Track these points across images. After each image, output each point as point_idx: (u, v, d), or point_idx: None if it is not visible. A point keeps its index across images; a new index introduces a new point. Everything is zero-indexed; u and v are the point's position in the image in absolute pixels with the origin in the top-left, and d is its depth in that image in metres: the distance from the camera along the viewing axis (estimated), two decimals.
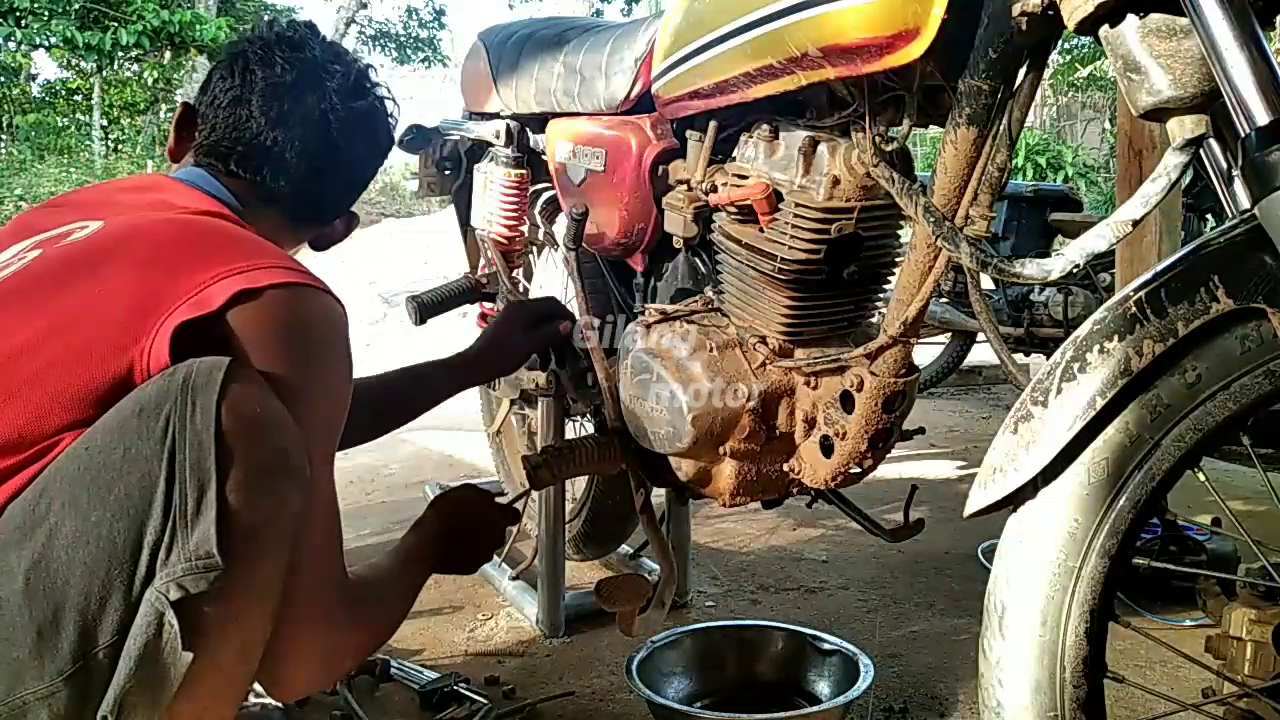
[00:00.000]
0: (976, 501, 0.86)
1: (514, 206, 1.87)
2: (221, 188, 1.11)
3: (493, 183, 1.87)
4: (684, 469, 1.35)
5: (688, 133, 1.35)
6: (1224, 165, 0.90)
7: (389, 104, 1.23)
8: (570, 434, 1.87)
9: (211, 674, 0.87)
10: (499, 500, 1.36)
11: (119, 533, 0.83)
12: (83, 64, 11.71)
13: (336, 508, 1.02)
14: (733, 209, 1.24)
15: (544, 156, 1.70)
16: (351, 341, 1.02)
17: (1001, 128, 0.93)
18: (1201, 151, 0.87)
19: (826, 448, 1.25)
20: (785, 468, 1.31)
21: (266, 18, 1.18)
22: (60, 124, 12.71)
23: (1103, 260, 3.34)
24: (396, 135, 1.27)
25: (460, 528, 1.29)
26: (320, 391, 0.97)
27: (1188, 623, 1.85)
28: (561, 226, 1.81)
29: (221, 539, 0.83)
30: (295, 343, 0.95)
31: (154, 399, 0.85)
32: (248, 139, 1.11)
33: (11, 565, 0.83)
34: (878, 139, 1.07)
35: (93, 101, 11.90)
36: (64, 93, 13.49)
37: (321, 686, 1.12)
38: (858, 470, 1.25)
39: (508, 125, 1.81)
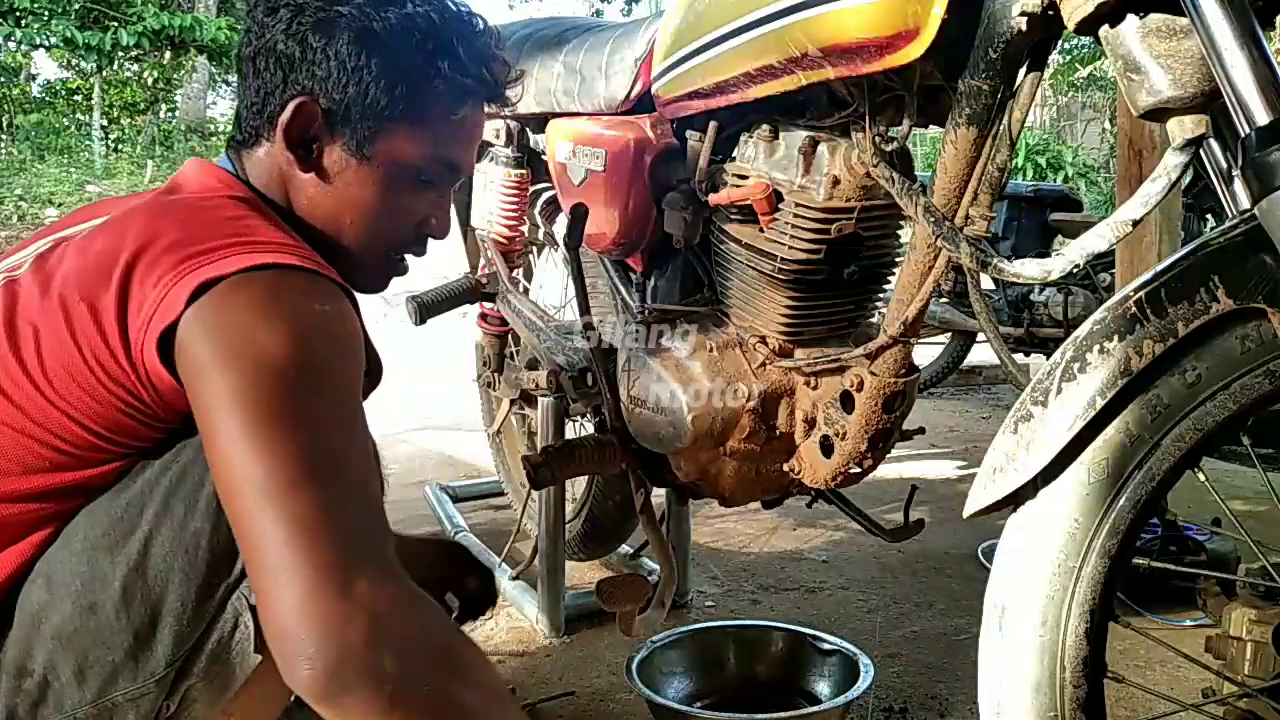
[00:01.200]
0: (976, 501, 0.87)
1: (514, 206, 1.87)
2: (226, 161, 1.02)
3: (493, 183, 1.87)
4: (684, 469, 1.35)
5: (688, 133, 1.35)
6: (1224, 165, 0.90)
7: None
8: (570, 434, 1.87)
9: (271, 676, 0.87)
10: None
11: (217, 542, 0.85)
12: (83, 64, 11.71)
13: (367, 484, 0.85)
14: (733, 209, 1.24)
15: (544, 156, 1.70)
16: (348, 316, 0.88)
17: (1001, 128, 0.93)
18: (1201, 151, 0.87)
19: (826, 448, 1.25)
20: (785, 468, 1.31)
21: None
22: (60, 124, 12.71)
23: (1103, 260, 3.34)
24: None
25: None
26: (313, 361, 0.83)
27: (1188, 623, 1.85)
28: (562, 226, 1.81)
29: None
30: (266, 328, 0.82)
31: None
32: (244, 105, 1.01)
33: (105, 571, 0.85)
34: (878, 139, 1.07)
35: (93, 101, 11.90)
36: (64, 93, 13.50)
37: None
38: (858, 470, 1.25)
39: (507, 125, 1.81)
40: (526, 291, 2.07)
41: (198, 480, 0.86)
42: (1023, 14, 0.83)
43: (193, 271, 0.82)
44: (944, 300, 3.92)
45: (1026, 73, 0.91)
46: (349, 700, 0.72)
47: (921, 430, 1.38)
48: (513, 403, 2.12)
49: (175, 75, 12.85)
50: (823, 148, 1.14)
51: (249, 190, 0.98)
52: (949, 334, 4.14)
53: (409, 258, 1.09)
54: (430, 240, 1.08)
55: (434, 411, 3.79)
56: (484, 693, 0.79)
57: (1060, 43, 1.19)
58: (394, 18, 0.97)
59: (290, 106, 0.96)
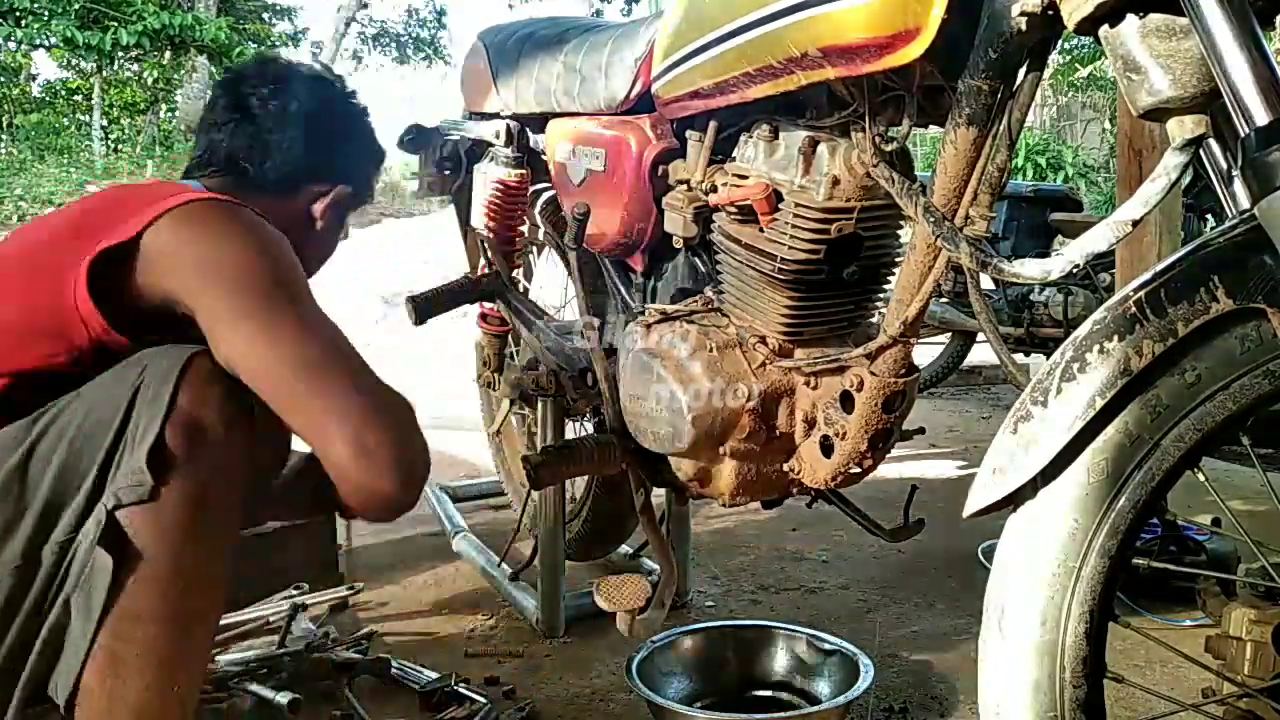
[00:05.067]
0: (976, 501, 0.86)
1: (514, 207, 1.87)
2: (199, 186, 1.22)
3: (492, 183, 1.87)
4: (684, 469, 1.35)
5: (688, 133, 1.35)
6: (1224, 165, 0.90)
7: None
8: (570, 434, 1.87)
9: (147, 586, 0.95)
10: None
11: (87, 451, 0.96)
12: (83, 64, 11.71)
13: (334, 340, 1.07)
14: (733, 209, 1.24)
15: (544, 156, 1.70)
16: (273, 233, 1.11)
17: (1001, 128, 0.93)
18: (1201, 151, 0.87)
19: (826, 448, 1.25)
20: (785, 468, 1.31)
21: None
22: (60, 124, 12.71)
23: (1103, 260, 3.34)
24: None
25: None
26: (253, 254, 1.05)
27: (1188, 623, 1.85)
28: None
29: (157, 461, 0.95)
30: (210, 229, 1.05)
31: (139, 357, 1.00)
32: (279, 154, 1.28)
33: None
34: (878, 139, 1.07)
35: (93, 101, 11.90)
36: (64, 93, 13.49)
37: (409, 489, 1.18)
38: (858, 470, 1.25)
39: (508, 125, 1.81)
40: (526, 291, 2.07)
41: (90, 403, 0.98)
42: (1023, 14, 0.83)
43: (142, 210, 1.03)
44: (944, 300, 3.92)
45: (1026, 73, 0.91)
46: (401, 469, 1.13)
47: (921, 430, 1.38)
48: (512, 403, 2.12)
49: (175, 75, 12.85)
50: (823, 148, 1.14)
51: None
52: (949, 334, 4.14)
53: None
54: None
55: (434, 410, 3.79)
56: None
57: (1060, 43, 1.19)
58: (368, 130, 1.39)
59: (338, 190, 1.31)
